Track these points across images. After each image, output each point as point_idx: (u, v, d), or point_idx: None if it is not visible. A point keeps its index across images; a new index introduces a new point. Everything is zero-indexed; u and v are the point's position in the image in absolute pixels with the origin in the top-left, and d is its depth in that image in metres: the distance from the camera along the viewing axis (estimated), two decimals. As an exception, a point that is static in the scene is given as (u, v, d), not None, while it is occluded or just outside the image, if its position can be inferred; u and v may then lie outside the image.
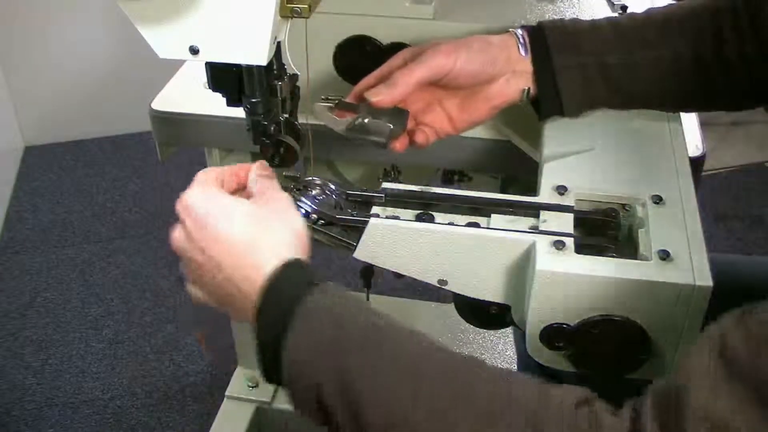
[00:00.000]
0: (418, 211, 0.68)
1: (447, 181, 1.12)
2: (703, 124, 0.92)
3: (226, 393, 1.30)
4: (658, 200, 0.67)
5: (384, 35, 0.85)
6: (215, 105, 0.75)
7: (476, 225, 0.66)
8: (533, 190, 0.71)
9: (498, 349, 1.45)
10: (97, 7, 2.20)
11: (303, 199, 0.69)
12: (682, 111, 0.83)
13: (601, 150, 0.75)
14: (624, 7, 0.92)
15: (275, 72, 0.69)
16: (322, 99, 0.77)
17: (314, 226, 0.68)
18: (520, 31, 0.75)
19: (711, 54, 0.74)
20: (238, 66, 0.67)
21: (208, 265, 0.60)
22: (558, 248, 0.62)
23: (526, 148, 0.86)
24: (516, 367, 1.22)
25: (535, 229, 0.65)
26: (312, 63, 0.73)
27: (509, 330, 1.36)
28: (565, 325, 0.62)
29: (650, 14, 0.77)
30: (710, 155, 0.90)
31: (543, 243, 0.62)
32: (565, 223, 0.65)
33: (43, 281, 1.89)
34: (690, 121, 0.91)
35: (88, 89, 2.34)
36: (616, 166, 0.72)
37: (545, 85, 0.75)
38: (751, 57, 0.74)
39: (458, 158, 0.92)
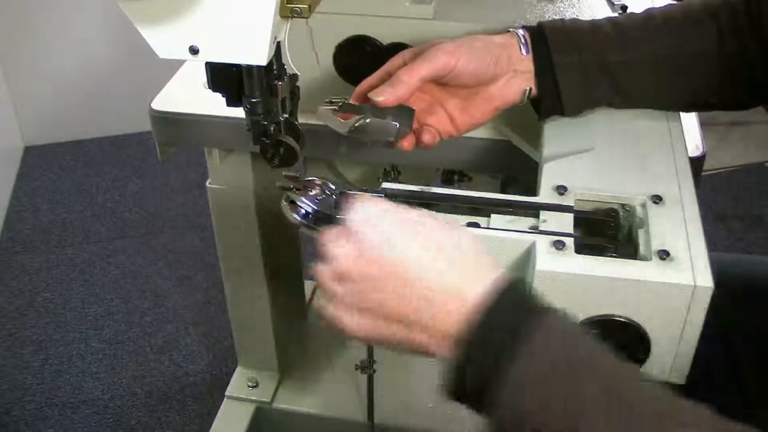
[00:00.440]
0: (418, 211, 0.68)
1: (447, 181, 1.13)
2: (703, 124, 0.92)
3: (226, 393, 1.30)
4: (658, 200, 0.67)
5: (384, 35, 0.85)
6: (215, 105, 0.75)
7: (476, 225, 0.66)
8: (533, 190, 0.71)
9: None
10: (97, 7, 2.20)
11: (303, 199, 0.69)
12: (683, 111, 0.82)
13: (601, 150, 0.75)
14: (624, 7, 0.92)
15: (275, 72, 0.69)
16: (326, 102, 0.76)
17: (314, 226, 0.68)
18: (521, 31, 0.75)
19: (711, 53, 0.74)
20: (237, 66, 0.67)
21: (387, 286, 0.53)
22: (558, 248, 0.62)
23: (526, 148, 0.86)
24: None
25: (535, 229, 0.65)
26: (312, 63, 0.74)
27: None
28: (565, 325, 0.62)
29: (651, 14, 0.77)
30: (710, 155, 0.90)
31: (543, 243, 0.62)
32: (565, 223, 0.65)
33: (43, 281, 1.89)
34: (690, 121, 0.91)
35: (88, 89, 2.34)
36: (616, 166, 0.72)
37: (546, 85, 0.75)
38: (751, 57, 0.74)
39: (458, 158, 0.92)
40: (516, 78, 0.75)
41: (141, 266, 1.91)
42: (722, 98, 0.78)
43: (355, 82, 0.78)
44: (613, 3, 0.93)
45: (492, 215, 0.67)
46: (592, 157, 0.74)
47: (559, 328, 0.51)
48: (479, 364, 0.50)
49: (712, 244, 0.61)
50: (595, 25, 0.76)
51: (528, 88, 0.75)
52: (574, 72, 0.74)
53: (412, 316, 0.53)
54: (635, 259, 0.62)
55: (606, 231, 0.68)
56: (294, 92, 0.73)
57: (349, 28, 0.86)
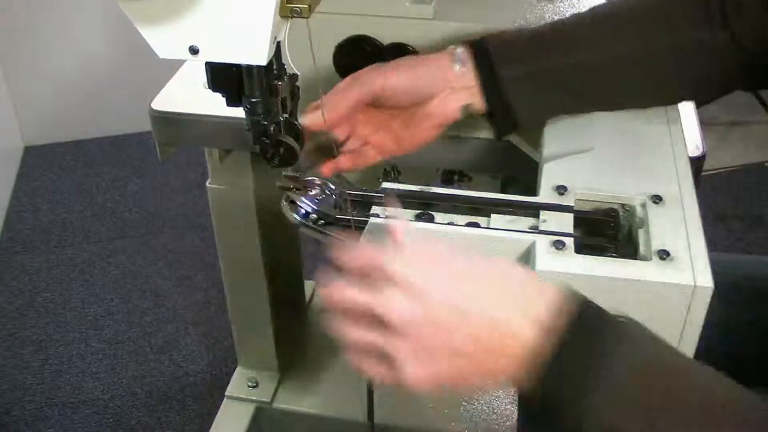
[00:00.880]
0: (418, 211, 0.68)
1: (447, 181, 1.12)
2: (703, 124, 0.92)
3: (226, 393, 1.30)
4: (658, 200, 0.67)
5: (384, 35, 0.85)
6: (215, 105, 0.75)
7: (476, 225, 0.66)
8: (533, 190, 0.71)
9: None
10: (97, 7, 2.20)
11: (303, 199, 0.69)
12: (643, 107, 0.80)
13: (601, 150, 0.75)
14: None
15: (275, 72, 0.69)
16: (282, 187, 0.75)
17: (314, 226, 0.68)
18: (459, 49, 0.75)
19: (663, 49, 0.73)
20: (237, 66, 0.67)
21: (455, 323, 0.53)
22: (558, 248, 0.62)
23: (526, 148, 0.86)
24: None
25: (534, 229, 0.65)
26: (312, 63, 0.73)
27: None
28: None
29: (596, 13, 0.77)
30: (710, 155, 0.90)
31: (543, 243, 0.62)
32: (565, 223, 0.65)
33: (42, 281, 1.89)
34: (690, 121, 0.91)
35: (88, 89, 2.34)
36: (616, 166, 0.72)
37: (494, 100, 0.75)
38: (709, 48, 0.73)
39: (458, 158, 0.92)
40: (454, 94, 0.75)
41: (141, 266, 1.91)
42: (683, 93, 0.78)
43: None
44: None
45: (492, 215, 0.67)
46: (592, 157, 0.74)
47: (647, 336, 0.53)
48: (571, 376, 0.51)
49: (712, 244, 0.61)
50: (535, 33, 0.76)
51: (466, 103, 0.75)
52: (523, 83, 0.74)
53: (477, 344, 0.53)
54: (635, 259, 0.62)
55: (606, 231, 0.68)
56: (294, 92, 0.73)
57: (349, 28, 0.86)
